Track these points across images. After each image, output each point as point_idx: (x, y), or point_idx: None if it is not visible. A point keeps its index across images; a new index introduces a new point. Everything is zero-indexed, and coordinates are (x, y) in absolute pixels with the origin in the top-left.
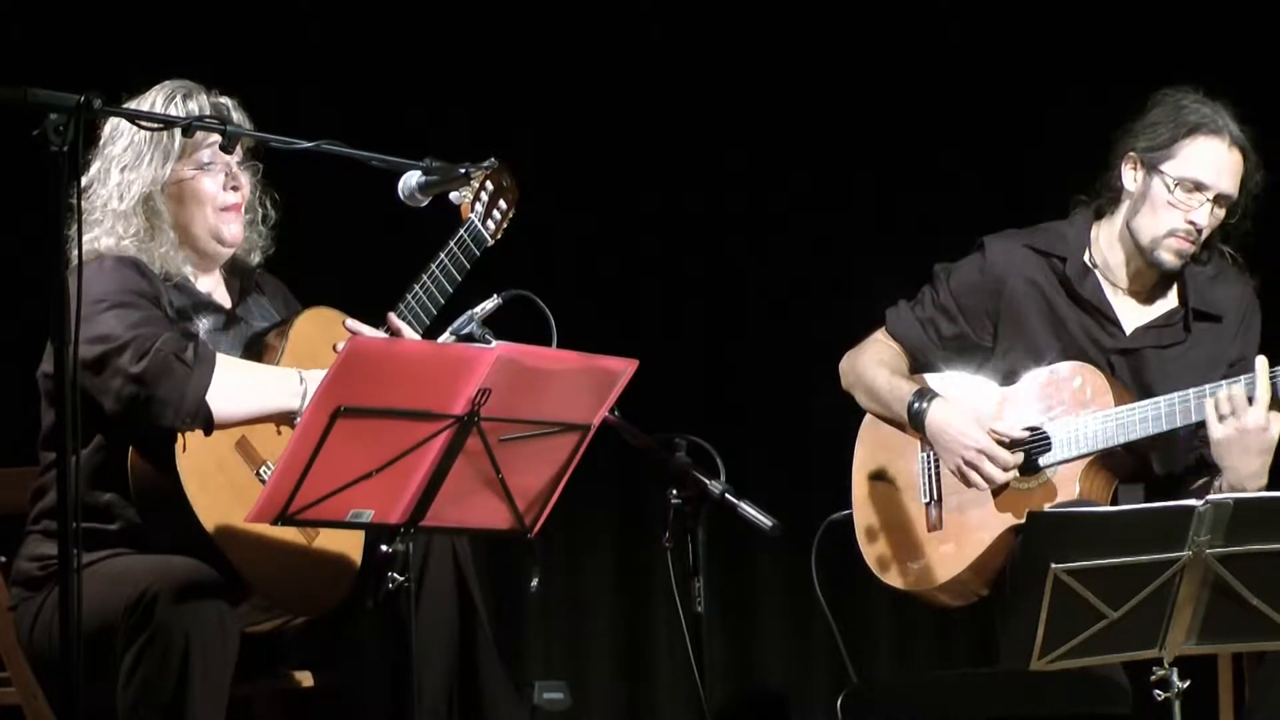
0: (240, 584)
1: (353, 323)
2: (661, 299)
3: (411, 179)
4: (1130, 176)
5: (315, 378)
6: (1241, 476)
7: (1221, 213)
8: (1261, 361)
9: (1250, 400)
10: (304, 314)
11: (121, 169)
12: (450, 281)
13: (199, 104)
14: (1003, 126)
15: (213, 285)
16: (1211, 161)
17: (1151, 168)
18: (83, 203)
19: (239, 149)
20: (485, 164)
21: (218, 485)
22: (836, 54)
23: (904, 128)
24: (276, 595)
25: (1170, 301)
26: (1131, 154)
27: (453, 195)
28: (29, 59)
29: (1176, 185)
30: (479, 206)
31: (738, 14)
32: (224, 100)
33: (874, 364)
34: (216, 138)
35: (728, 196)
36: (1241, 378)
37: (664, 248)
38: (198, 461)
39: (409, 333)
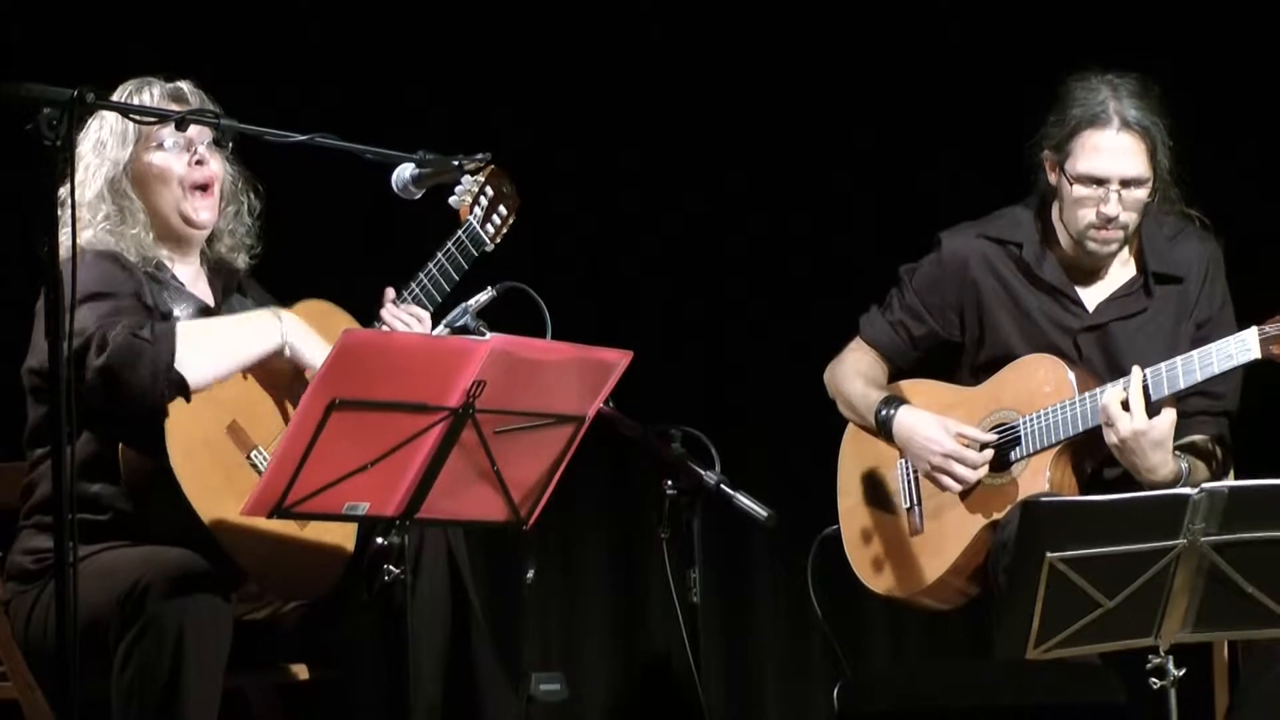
0: (232, 572)
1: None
2: (659, 293)
3: (405, 171)
4: (1051, 175)
5: (292, 317)
6: (1142, 472)
7: (1139, 193)
8: (1136, 370)
9: (1125, 406)
10: (296, 306)
11: (86, 165)
12: (447, 281)
13: (149, 96)
14: (1002, 120)
15: (192, 277)
16: (1100, 156)
17: (1059, 167)
18: (60, 207)
19: (205, 132)
20: (479, 156)
21: (208, 468)
22: (835, 51)
23: (905, 124)
24: (267, 579)
25: (1129, 270)
26: (1046, 153)
27: (451, 199)
28: (22, 53)
29: (1077, 183)
30: (478, 210)
31: (735, 10)
32: (182, 84)
33: (851, 375)
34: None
35: (728, 187)
36: (1120, 381)
37: (663, 241)
38: (187, 444)
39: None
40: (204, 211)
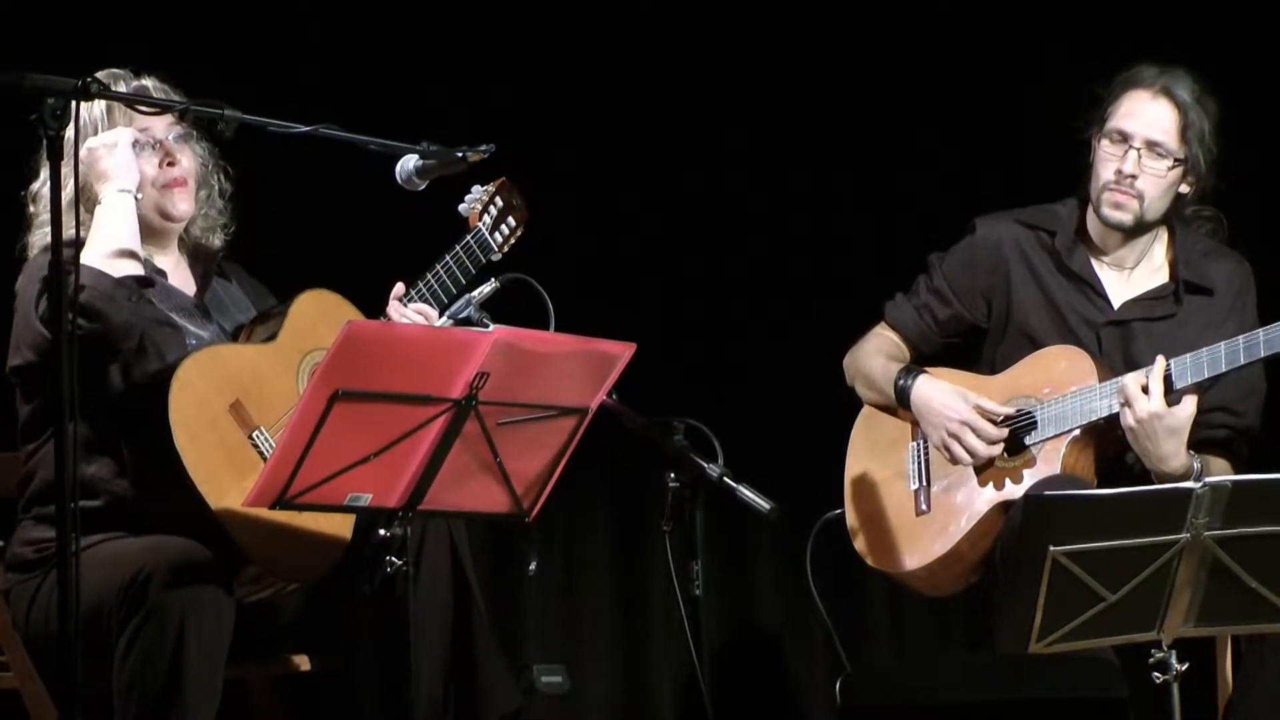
0: (234, 558)
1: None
2: (663, 285)
3: (409, 163)
4: (1093, 155)
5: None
6: (1153, 459)
7: (1160, 164)
8: (1160, 358)
9: (1145, 390)
10: (304, 295)
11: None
12: (454, 284)
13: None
14: (996, 105)
15: (172, 266)
16: (1133, 110)
17: (1098, 134)
18: (32, 206)
19: (173, 124)
20: (482, 148)
21: (211, 449)
22: (838, 49)
23: (906, 124)
24: (267, 560)
25: (1161, 277)
26: (1093, 130)
27: (461, 206)
28: (21, 43)
29: (1105, 138)
30: (486, 218)
31: (740, 4)
32: (147, 82)
33: (872, 354)
34: (142, 120)
35: (731, 181)
36: (1143, 369)
37: (666, 234)
38: (193, 429)
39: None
40: (181, 204)
